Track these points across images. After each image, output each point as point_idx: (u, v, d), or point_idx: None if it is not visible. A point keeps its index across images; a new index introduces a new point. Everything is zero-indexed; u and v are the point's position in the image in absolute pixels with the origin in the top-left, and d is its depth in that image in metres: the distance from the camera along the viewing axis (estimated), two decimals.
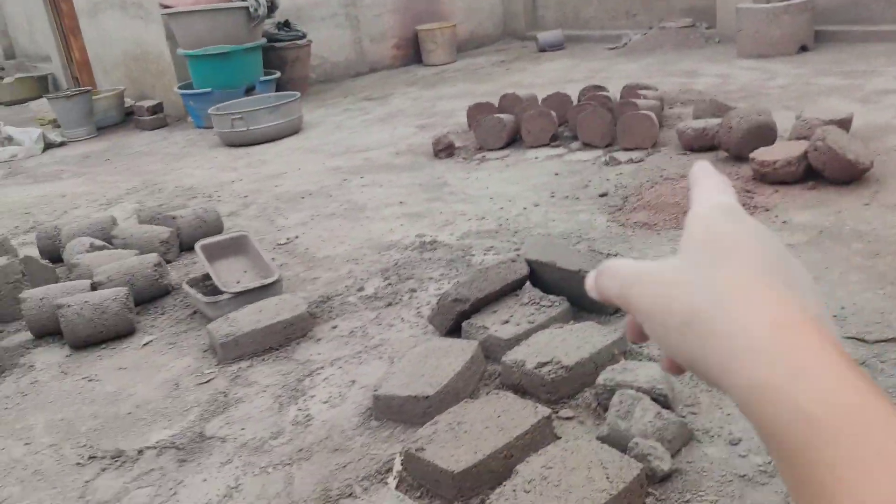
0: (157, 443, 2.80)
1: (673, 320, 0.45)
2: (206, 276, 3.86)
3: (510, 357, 2.74)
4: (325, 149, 6.87)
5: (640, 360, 2.75)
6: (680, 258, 0.48)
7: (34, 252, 4.73)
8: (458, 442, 2.33)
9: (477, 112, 6.44)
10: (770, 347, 0.39)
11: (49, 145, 8.77)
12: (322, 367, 3.14)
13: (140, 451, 2.76)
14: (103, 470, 2.70)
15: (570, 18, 10.97)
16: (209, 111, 7.65)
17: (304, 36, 9.32)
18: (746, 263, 0.44)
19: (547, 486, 2.05)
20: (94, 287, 3.83)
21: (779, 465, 0.40)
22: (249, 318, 3.39)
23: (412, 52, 10.85)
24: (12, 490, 2.66)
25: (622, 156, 5.21)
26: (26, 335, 3.81)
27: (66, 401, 3.20)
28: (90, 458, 2.78)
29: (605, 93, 6.11)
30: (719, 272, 0.44)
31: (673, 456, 2.26)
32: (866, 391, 0.36)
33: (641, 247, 3.79)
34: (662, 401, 2.42)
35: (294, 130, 7.63)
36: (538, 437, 2.36)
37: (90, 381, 3.33)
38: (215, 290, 3.72)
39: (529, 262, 3.24)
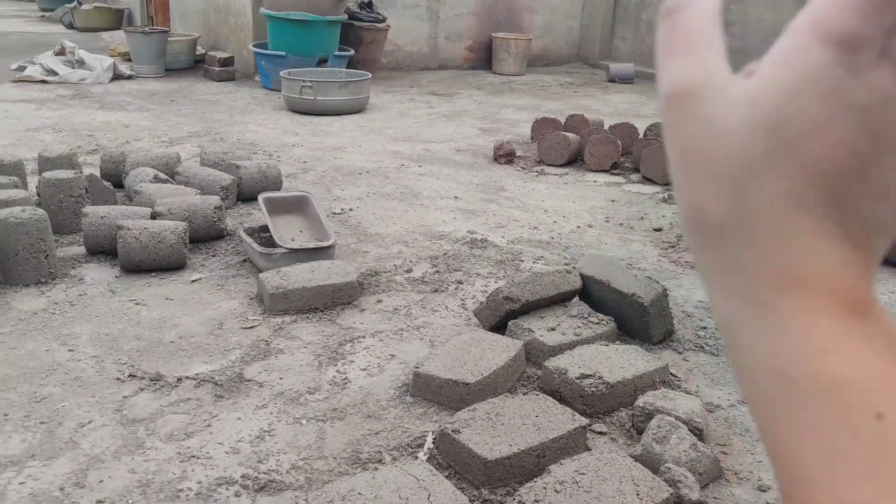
0: (196, 375, 2.86)
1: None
2: (263, 228, 3.93)
3: (553, 363, 2.77)
4: (388, 132, 6.95)
5: (679, 391, 2.77)
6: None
7: (96, 173, 4.83)
8: (494, 432, 2.37)
9: (543, 126, 6.49)
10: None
11: (118, 76, 8.93)
12: (363, 337, 3.20)
13: (179, 380, 2.83)
14: (141, 389, 2.77)
15: (645, 55, 10.99)
16: (280, 73, 7.75)
17: (384, 20, 9.42)
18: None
19: (578, 490, 2.09)
20: (153, 216, 3.91)
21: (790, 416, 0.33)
22: (301, 275, 3.45)
23: (483, 58, 10.92)
24: (53, 390, 2.73)
25: None
26: (80, 249, 3.89)
27: (111, 318, 3.27)
28: (130, 375, 2.85)
29: None
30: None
31: (701, 488, 2.28)
32: None
33: (690, 286, 3.81)
34: (697, 434, 2.45)
35: (359, 109, 7.72)
36: (571, 444, 2.40)
37: (137, 304, 3.41)
38: (269, 243, 3.78)
39: (583, 277, 3.28)
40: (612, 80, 10.28)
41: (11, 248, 3.45)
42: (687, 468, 2.29)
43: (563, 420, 2.44)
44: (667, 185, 5.49)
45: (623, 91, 9.68)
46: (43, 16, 15.60)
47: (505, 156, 6.04)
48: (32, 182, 4.47)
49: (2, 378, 2.78)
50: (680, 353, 3.16)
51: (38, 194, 4.07)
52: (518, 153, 6.20)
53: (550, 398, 2.58)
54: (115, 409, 2.63)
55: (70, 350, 3.00)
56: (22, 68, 8.75)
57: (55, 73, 8.59)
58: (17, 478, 2.27)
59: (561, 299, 3.23)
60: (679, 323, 3.38)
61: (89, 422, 2.56)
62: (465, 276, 3.84)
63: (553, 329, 3.05)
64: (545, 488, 2.10)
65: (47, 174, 4.12)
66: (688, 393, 2.79)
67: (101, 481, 2.27)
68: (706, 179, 0.34)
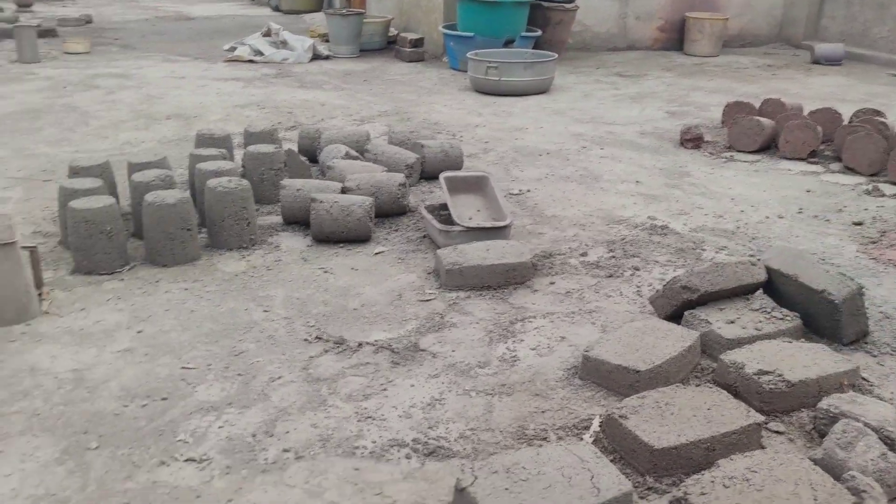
0: (375, 341, 3.02)
1: None
2: (443, 206, 4.05)
3: (729, 357, 2.68)
4: (571, 114, 6.90)
5: (871, 396, 2.59)
6: None
7: (294, 148, 5.16)
8: (662, 420, 2.33)
9: (735, 110, 6.19)
10: None
11: (316, 56, 9.45)
12: (535, 317, 3.23)
13: (360, 345, 3.00)
14: (326, 351, 2.96)
15: (856, 34, 10.16)
16: (467, 55, 7.88)
17: (572, 0, 9.32)
18: None
19: (748, 487, 2.02)
20: (343, 191, 4.14)
21: None
22: (477, 253, 3.53)
23: (675, 38, 10.54)
24: (249, 346, 2.98)
25: (889, 189, 4.82)
26: (277, 219, 4.20)
27: (302, 283, 3.51)
28: (316, 338, 3.05)
29: (882, 119, 5.65)
30: None
31: (889, 501, 2.13)
32: None
33: (892, 286, 3.53)
34: (889, 444, 2.28)
35: (543, 90, 7.71)
36: (744, 441, 2.31)
37: (325, 272, 3.63)
38: (448, 221, 3.90)
39: (769, 270, 3.13)
40: (816, 62, 9.59)
41: (219, 214, 3.78)
42: (874, 478, 2.14)
43: (736, 415, 2.36)
44: (872, 175, 5.08)
45: (828, 73, 9.01)
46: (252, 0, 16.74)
47: (692, 140, 5.83)
48: (238, 155, 4.85)
49: (207, 332, 3.07)
50: (874, 356, 2.95)
51: (243, 166, 4.42)
52: (706, 138, 5.96)
53: (724, 392, 2.50)
54: (301, 368, 2.84)
55: (265, 311, 3.26)
56: (232, 49, 9.47)
57: (261, 54, 9.24)
58: (217, 422, 2.51)
59: (743, 292, 3.10)
60: (875, 324, 3.14)
61: (279, 377, 2.78)
62: (642, 263, 3.77)
63: (732, 322, 2.94)
64: (713, 482, 2.04)
65: (251, 148, 4.46)
66: (881, 399, 2.61)
67: (287, 432, 2.47)
68: None
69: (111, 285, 3.44)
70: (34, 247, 3.29)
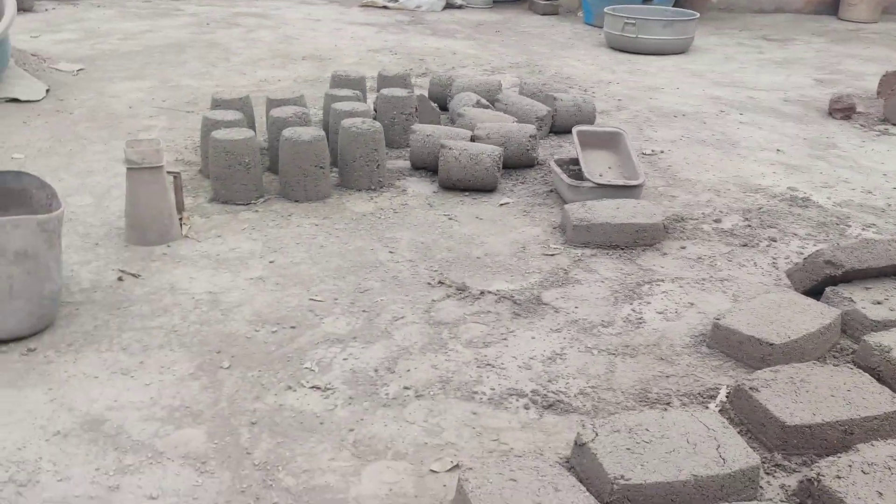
0: (497, 291, 3.01)
1: None
2: (573, 161, 3.97)
3: (874, 339, 2.52)
4: (710, 76, 6.60)
5: None
6: None
7: (425, 94, 5.16)
8: (796, 397, 2.22)
9: (894, 81, 5.75)
10: None
11: (449, 5, 9.39)
12: (663, 280, 3.13)
13: (482, 293, 2.99)
14: (448, 296, 2.97)
15: None
16: (604, 10, 7.64)
17: None
18: None
19: (890, 476, 1.90)
20: (473, 139, 4.11)
21: None
22: (606, 211, 3.45)
23: (829, 2, 9.87)
24: (374, 284, 3.03)
25: None
26: (406, 163, 4.22)
27: (427, 228, 3.53)
28: (439, 282, 3.07)
29: None
30: None
31: None
32: None
33: None
34: None
35: (681, 50, 7.40)
36: (887, 427, 2.18)
37: (450, 219, 3.64)
38: (578, 176, 3.82)
39: None
40: None
41: (350, 155, 3.83)
42: None
43: (879, 400, 2.22)
44: None
45: None
46: None
47: (842, 110, 5.47)
48: (370, 98, 4.89)
49: (334, 267, 3.14)
50: None
51: (375, 109, 4.46)
52: (858, 108, 5.58)
53: (866, 375, 2.35)
54: (424, 310, 2.86)
55: (391, 252, 3.30)
56: None
57: (395, 0, 9.25)
58: (342, 354, 2.57)
59: (893, 272, 2.90)
60: None
61: (402, 317, 2.81)
62: (779, 234, 3.59)
63: (879, 303, 2.76)
64: (850, 466, 1.94)
65: (384, 91, 4.49)
66: None
67: (408, 371, 2.50)
68: None
69: (246, 216, 3.56)
70: (178, 173, 3.43)
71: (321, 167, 3.70)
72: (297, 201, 3.70)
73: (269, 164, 4.03)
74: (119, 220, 3.39)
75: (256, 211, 3.61)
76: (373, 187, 3.89)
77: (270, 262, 3.16)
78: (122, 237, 3.28)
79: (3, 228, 2.42)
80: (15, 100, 4.99)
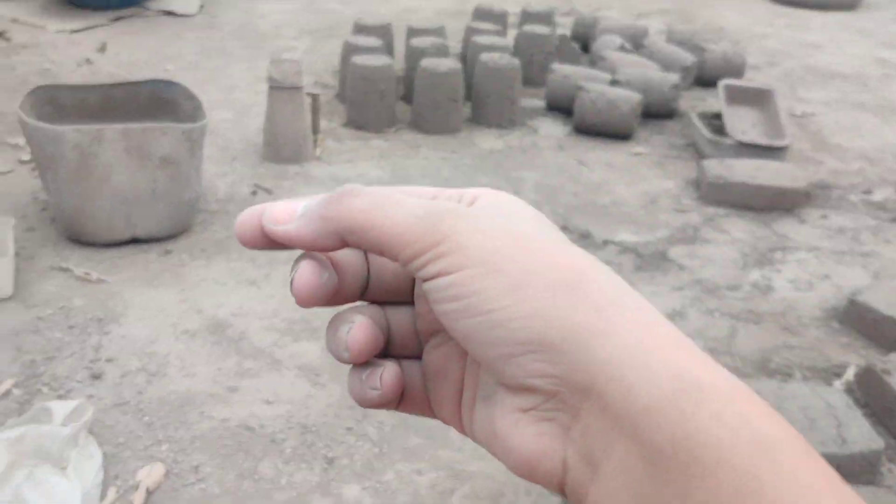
0: (621, 241, 2.94)
1: (552, 276, 0.30)
2: (716, 115, 3.79)
3: None
4: (878, 36, 6.10)
5: None
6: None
7: (567, 34, 5.03)
8: None
9: None
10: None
11: None
12: (798, 249, 2.97)
13: (605, 242, 2.93)
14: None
15: None
16: None
17: None
18: None
19: None
20: (612, 84, 3.98)
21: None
22: (745, 170, 3.28)
23: None
24: None
25: None
26: (540, 103, 4.15)
27: (555, 171, 3.47)
28: (562, 227, 3.02)
29: None
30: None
31: None
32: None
33: None
34: None
35: (849, 6, 6.86)
36: None
37: (580, 164, 3.56)
38: (720, 131, 3.64)
39: None
40: None
41: (485, 90, 3.80)
42: None
43: None
44: None
45: None
46: None
47: None
48: (511, 34, 4.81)
49: None
50: None
51: (514, 46, 4.38)
52: None
53: None
54: None
55: (515, 192, 3.27)
56: None
57: None
58: None
59: None
60: None
61: None
62: None
63: None
64: None
65: (526, 28, 4.40)
66: None
67: None
68: None
69: (377, 143, 3.61)
70: (316, 94, 3.50)
71: (455, 100, 3.69)
72: (427, 133, 3.72)
73: (404, 93, 4.05)
74: (257, 136, 3.51)
75: (387, 140, 3.65)
76: (504, 125, 3.85)
77: None
78: (259, 153, 3.40)
79: (152, 134, 2.55)
80: (171, 13, 5.21)
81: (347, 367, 0.36)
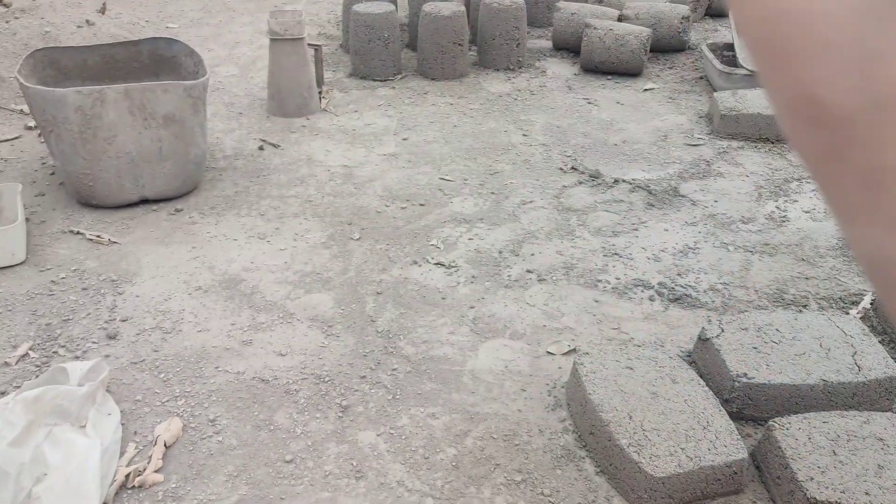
0: (632, 179, 2.90)
1: None
2: (728, 46, 3.70)
3: None
4: None
5: None
6: None
7: None
8: None
9: None
10: None
11: None
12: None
13: (616, 181, 2.90)
14: (580, 183, 2.90)
15: None
16: None
17: None
18: None
19: None
20: (620, 19, 3.89)
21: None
22: (758, 101, 3.21)
23: None
24: (504, 167, 2.99)
25: None
26: (547, 43, 4.07)
27: (564, 112, 3.42)
28: (572, 168, 2.99)
29: None
30: None
31: None
32: None
33: None
34: None
35: None
36: None
37: (589, 103, 3.51)
38: (732, 63, 3.56)
39: None
40: None
41: (490, 32, 3.73)
42: None
43: None
44: None
45: None
46: None
47: None
48: None
49: (466, 148, 3.11)
50: None
51: None
52: None
53: None
54: (554, 196, 2.81)
55: (524, 135, 3.23)
56: None
57: None
58: (468, 234, 2.58)
59: None
60: None
61: (531, 201, 2.77)
62: None
63: None
64: None
65: None
66: None
67: (532, 255, 2.48)
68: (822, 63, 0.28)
69: (383, 91, 3.57)
70: (319, 45, 3.46)
71: (459, 44, 3.63)
72: (433, 79, 3.67)
73: (409, 40, 3.99)
74: (262, 91, 3.48)
75: (393, 87, 3.61)
76: (511, 67, 3.79)
77: (403, 139, 3.18)
78: (265, 108, 3.38)
79: (154, 92, 2.53)
80: None
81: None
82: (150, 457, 1.69)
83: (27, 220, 2.43)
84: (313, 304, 2.23)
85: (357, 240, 2.54)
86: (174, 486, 1.65)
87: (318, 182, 2.86)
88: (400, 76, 3.69)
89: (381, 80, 3.65)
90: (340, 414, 1.85)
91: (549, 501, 1.64)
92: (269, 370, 1.98)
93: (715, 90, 3.48)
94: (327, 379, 1.96)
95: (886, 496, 1.53)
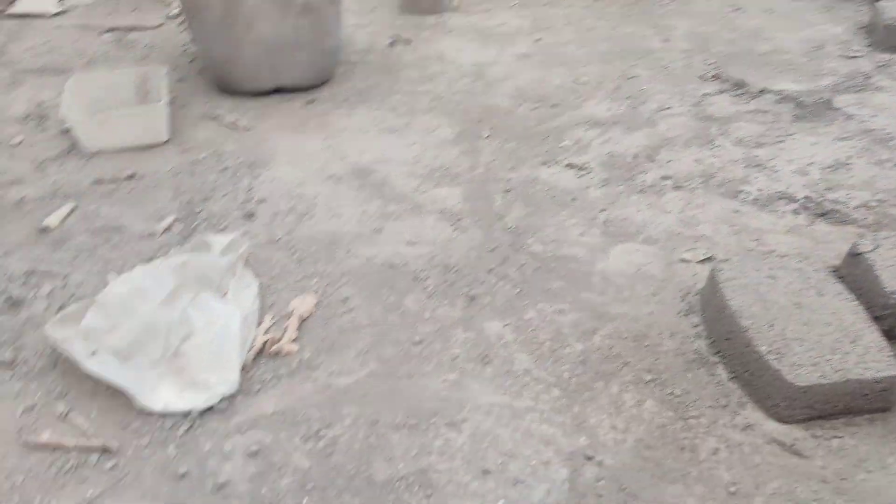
0: (780, 90, 2.72)
1: None
2: None
3: None
4: None
5: None
6: None
7: None
8: None
9: None
10: None
11: None
12: None
13: (762, 91, 2.73)
14: (722, 91, 2.74)
15: None
16: None
17: None
18: None
19: None
20: None
21: None
22: None
23: None
24: (642, 72, 2.86)
25: None
26: None
27: (709, 18, 3.23)
28: (714, 76, 2.83)
29: None
30: None
31: None
32: None
33: None
34: None
35: None
36: None
37: (737, 9, 3.29)
38: None
39: None
40: None
41: None
42: None
43: None
44: None
45: None
46: None
47: None
48: None
49: (602, 51, 2.99)
50: None
51: None
52: None
53: None
54: (693, 104, 2.67)
55: (664, 41, 3.07)
56: None
57: None
58: (601, 137, 2.50)
59: None
60: None
61: (668, 108, 2.65)
62: None
63: None
64: None
65: None
66: None
67: (669, 161, 2.38)
68: None
69: None
70: None
71: None
72: None
73: None
74: None
75: None
76: None
77: (537, 40, 3.08)
78: (397, 4, 3.34)
79: None
80: None
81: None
82: (286, 328, 1.75)
83: (170, 102, 2.51)
84: (442, 198, 2.23)
85: (487, 138, 2.50)
86: (308, 356, 1.71)
87: (449, 80, 2.82)
88: None
89: None
90: (468, 303, 1.86)
91: (679, 402, 1.60)
92: (400, 256, 2.00)
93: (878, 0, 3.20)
94: (455, 269, 1.96)
95: None
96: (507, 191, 2.25)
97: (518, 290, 1.90)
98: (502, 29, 3.15)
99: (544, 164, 2.38)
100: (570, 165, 2.36)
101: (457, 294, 1.88)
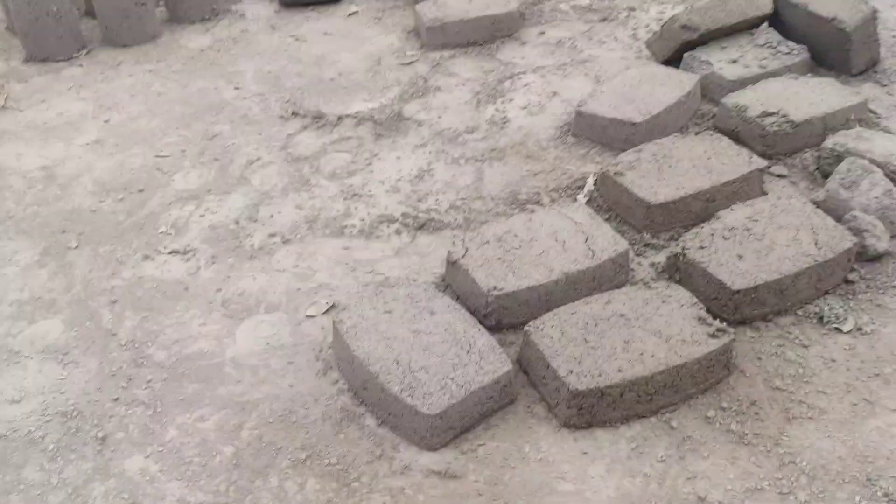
0: (356, 113, 2.85)
1: None
2: None
3: (731, 100, 2.51)
4: None
5: (878, 130, 2.45)
6: None
7: None
8: (660, 175, 2.22)
9: None
10: None
11: None
12: (524, 73, 3.02)
13: (339, 118, 2.83)
14: (304, 128, 2.80)
15: None
16: None
17: None
18: None
19: (748, 237, 1.95)
20: None
21: None
22: (459, 6, 3.25)
23: None
24: (222, 128, 2.82)
25: None
26: None
27: (273, 55, 3.27)
28: (293, 113, 2.88)
29: None
30: None
31: (891, 238, 2.08)
32: None
33: None
34: (894, 179, 2.18)
35: None
36: (745, 189, 2.22)
37: (297, 40, 3.37)
38: None
39: (775, 1, 2.86)
40: None
41: None
42: (877, 216, 2.07)
43: (738, 162, 2.24)
44: None
45: None
46: None
47: None
48: None
49: (177, 116, 2.89)
50: (884, 85, 2.77)
51: None
52: None
53: (726, 138, 2.36)
54: (280, 147, 2.70)
55: (236, 88, 3.06)
56: None
57: None
58: (198, 211, 2.42)
59: (747, 26, 2.86)
60: (888, 50, 2.93)
61: (258, 159, 2.64)
62: (637, 2, 3.47)
63: (735, 61, 2.74)
64: (712, 235, 1.97)
65: None
66: (888, 132, 2.47)
67: (272, 216, 2.38)
68: None
69: (70, 72, 3.21)
70: None
71: (142, 3, 3.32)
72: (124, 46, 3.35)
73: (87, 7, 3.59)
74: None
75: (80, 66, 3.26)
76: (206, 17, 3.54)
77: (105, 121, 2.89)
78: None
79: None
80: None
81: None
82: None
83: None
84: (41, 334, 2.00)
85: (76, 248, 2.29)
86: None
87: (16, 193, 2.54)
88: (85, 51, 3.33)
89: (64, 60, 3.27)
90: (99, 447, 1.69)
91: (339, 469, 1.61)
92: (5, 423, 1.76)
93: (416, 2, 3.47)
94: (76, 413, 1.78)
95: (636, 367, 1.66)
96: (114, 302, 2.09)
97: (151, 410, 1.78)
98: (64, 118, 2.91)
99: (146, 258, 2.24)
100: (173, 252, 2.26)
101: (84, 442, 1.71)
